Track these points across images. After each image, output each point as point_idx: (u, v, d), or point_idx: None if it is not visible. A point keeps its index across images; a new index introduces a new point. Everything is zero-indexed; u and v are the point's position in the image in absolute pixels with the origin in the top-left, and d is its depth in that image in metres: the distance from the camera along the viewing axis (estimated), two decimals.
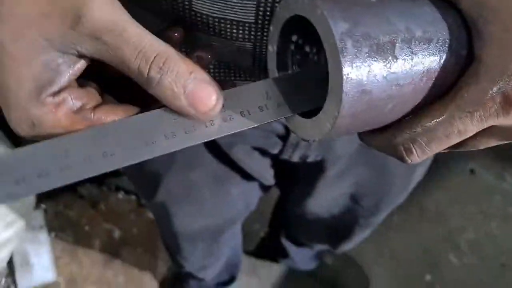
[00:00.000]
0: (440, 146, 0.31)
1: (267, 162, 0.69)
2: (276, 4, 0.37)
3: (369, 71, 0.28)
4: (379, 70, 0.28)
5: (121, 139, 0.29)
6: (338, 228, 0.95)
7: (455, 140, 0.30)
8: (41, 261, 1.36)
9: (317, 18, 0.29)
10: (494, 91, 0.28)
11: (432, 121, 0.30)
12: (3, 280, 1.34)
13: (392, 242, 1.49)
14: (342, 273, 1.42)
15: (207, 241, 0.91)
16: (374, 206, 0.84)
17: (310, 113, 0.32)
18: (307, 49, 0.36)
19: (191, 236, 0.88)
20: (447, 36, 0.30)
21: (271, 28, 0.34)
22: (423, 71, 0.30)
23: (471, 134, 0.30)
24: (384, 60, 0.28)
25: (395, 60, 0.29)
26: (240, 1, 0.36)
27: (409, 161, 0.32)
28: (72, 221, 1.46)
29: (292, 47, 0.36)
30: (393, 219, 1.49)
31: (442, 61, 0.30)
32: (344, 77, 0.27)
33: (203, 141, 0.30)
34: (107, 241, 1.44)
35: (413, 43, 0.29)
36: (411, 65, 0.29)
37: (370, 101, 0.29)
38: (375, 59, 0.28)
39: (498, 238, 1.50)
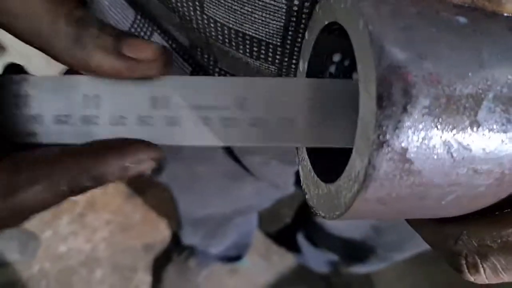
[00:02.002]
0: None
1: (286, 170, 0.62)
2: None
3: (423, 139, 0.17)
4: (443, 140, 0.18)
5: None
6: (355, 249, 0.89)
7: None
8: None
9: (358, 34, 0.18)
10: None
11: None
12: None
13: (416, 272, 1.39)
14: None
15: (211, 227, 0.88)
16: (397, 244, 0.77)
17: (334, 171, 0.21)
18: (355, 75, 0.25)
19: (193, 221, 0.85)
20: None
21: (306, 35, 0.25)
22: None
23: None
24: (454, 125, 0.18)
25: (475, 128, 0.18)
26: (263, 18, 0.28)
27: (472, 279, 0.21)
28: None
29: (333, 69, 0.25)
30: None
31: None
32: (376, 140, 0.17)
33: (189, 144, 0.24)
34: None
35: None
36: (503, 140, 0.18)
37: (416, 185, 0.19)
38: (440, 120, 0.17)
39: None
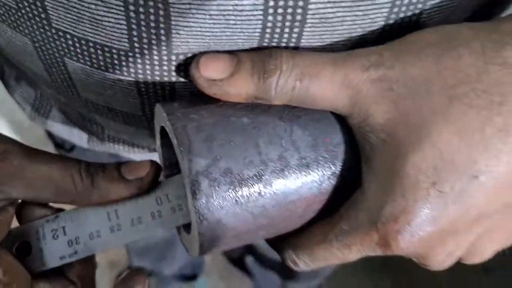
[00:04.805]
0: (323, 264, 0.29)
1: None
2: None
3: (228, 211, 0.26)
4: (242, 207, 0.26)
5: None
6: (287, 269, 0.98)
7: (338, 262, 0.29)
8: None
9: (175, 146, 0.26)
10: (371, 229, 0.26)
11: (311, 245, 0.28)
12: None
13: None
14: None
15: (156, 253, 0.93)
16: None
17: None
18: None
19: (138, 250, 0.91)
20: (331, 160, 0.27)
21: (155, 121, 0.32)
22: (299, 200, 0.27)
23: (353, 259, 0.28)
24: (248, 196, 0.26)
25: (262, 194, 0.26)
26: (124, 98, 0.33)
27: (298, 269, 0.31)
28: None
29: None
30: None
31: (323, 187, 0.27)
32: (199, 219, 0.25)
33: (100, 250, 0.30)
34: None
35: (286, 172, 0.26)
36: (282, 196, 0.26)
37: (236, 234, 0.27)
38: (237, 196, 0.26)
39: None
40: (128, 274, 0.32)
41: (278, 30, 0.26)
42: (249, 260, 1.24)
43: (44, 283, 0.30)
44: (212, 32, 0.26)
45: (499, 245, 0.29)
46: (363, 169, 0.27)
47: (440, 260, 0.27)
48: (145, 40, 0.27)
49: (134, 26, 0.26)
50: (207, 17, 0.25)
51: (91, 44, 0.28)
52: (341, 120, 0.27)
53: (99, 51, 0.29)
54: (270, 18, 0.26)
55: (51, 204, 0.31)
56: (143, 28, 0.26)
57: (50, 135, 0.61)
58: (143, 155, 0.46)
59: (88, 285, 0.32)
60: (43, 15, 0.28)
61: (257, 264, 1.22)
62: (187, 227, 0.30)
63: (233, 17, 0.25)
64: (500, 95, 0.24)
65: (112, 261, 1.43)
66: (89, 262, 0.32)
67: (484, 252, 0.29)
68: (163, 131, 0.30)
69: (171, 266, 1.10)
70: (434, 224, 0.25)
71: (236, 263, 1.45)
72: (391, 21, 0.27)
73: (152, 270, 1.10)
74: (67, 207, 0.31)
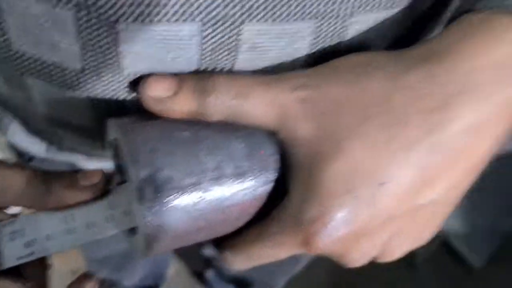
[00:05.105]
0: (258, 263, 0.32)
1: None
2: None
3: (170, 214, 0.28)
4: (182, 211, 0.28)
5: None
6: (242, 282, 1.03)
7: (271, 260, 0.31)
8: None
9: (124, 156, 0.28)
10: (295, 231, 0.28)
11: (246, 245, 0.31)
12: None
13: None
14: None
15: (114, 264, 0.95)
16: (270, 272, 0.92)
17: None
18: None
19: (95, 261, 0.92)
20: (264, 169, 0.30)
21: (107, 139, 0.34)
22: (234, 205, 0.29)
23: (284, 257, 0.31)
24: (187, 201, 0.28)
25: (199, 199, 0.28)
26: (79, 113, 0.36)
27: (236, 269, 0.33)
28: None
29: None
30: None
31: (257, 193, 0.30)
32: (143, 222, 0.27)
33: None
34: None
35: (222, 180, 0.29)
36: (219, 201, 0.29)
37: (177, 236, 0.29)
38: (177, 202, 0.28)
39: None
40: (76, 278, 0.34)
41: (214, 55, 0.30)
42: (209, 274, 1.26)
43: (2, 280, 0.32)
44: (156, 56, 0.29)
45: (408, 246, 0.33)
46: (290, 178, 0.29)
47: (356, 258, 0.31)
48: (95, 63, 0.30)
49: (85, 50, 0.29)
50: (152, 43, 0.29)
51: (48, 64, 0.31)
52: (274, 134, 0.30)
53: (56, 70, 0.31)
54: (206, 45, 0.29)
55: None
56: (94, 52, 0.30)
57: (12, 145, 0.63)
58: (100, 164, 0.48)
59: (41, 283, 0.34)
60: (6, 36, 0.31)
61: (217, 278, 1.24)
62: (136, 229, 0.32)
63: (174, 43, 0.29)
64: (404, 115, 0.28)
65: (73, 269, 1.42)
66: (42, 263, 0.35)
67: (395, 252, 0.33)
68: (115, 142, 0.32)
69: (132, 276, 1.10)
70: (348, 226, 0.28)
71: (199, 276, 1.46)
72: (314, 50, 0.31)
73: (112, 280, 1.10)
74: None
